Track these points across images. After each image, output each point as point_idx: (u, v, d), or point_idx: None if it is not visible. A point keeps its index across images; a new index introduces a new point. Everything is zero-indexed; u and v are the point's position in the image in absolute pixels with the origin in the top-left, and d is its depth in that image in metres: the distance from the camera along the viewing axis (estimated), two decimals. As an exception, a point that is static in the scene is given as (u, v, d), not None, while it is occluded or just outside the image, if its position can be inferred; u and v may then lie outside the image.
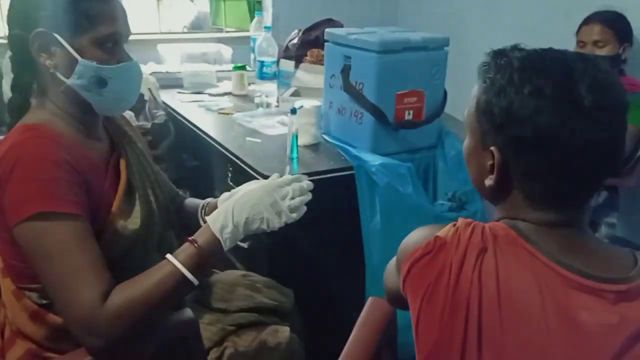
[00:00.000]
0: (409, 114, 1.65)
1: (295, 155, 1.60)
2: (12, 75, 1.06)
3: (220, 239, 0.97)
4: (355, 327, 1.07)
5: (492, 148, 0.75)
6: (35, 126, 0.98)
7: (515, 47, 0.78)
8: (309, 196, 1.05)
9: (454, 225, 0.77)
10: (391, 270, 0.94)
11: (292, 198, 1.02)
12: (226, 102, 2.19)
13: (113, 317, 0.89)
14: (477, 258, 0.72)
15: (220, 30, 3.39)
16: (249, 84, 2.33)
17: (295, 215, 1.02)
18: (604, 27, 1.99)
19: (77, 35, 0.98)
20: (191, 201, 1.32)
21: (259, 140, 1.74)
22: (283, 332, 1.25)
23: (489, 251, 0.73)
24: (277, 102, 2.13)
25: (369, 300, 1.13)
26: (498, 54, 0.78)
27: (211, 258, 0.98)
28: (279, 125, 1.88)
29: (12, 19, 1.02)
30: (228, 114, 2.02)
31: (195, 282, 0.95)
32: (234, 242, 0.99)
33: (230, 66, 2.53)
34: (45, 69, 1.00)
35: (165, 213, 1.18)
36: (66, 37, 0.97)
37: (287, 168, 1.12)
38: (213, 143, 1.76)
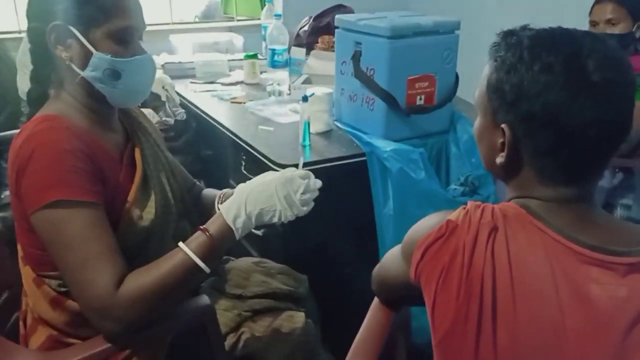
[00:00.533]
0: (420, 99, 1.65)
1: (307, 142, 1.61)
2: (31, 67, 1.08)
3: (233, 228, 0.99)
4: (369, 312, 1.08)
5: (502, 125, 0.76)
6: (51, 117, 1.00)
7: (525, 27, 0.79)
8: (316, 193, 1.06)
9: (464, 208, 0.79)
10: (391, 262, 0.95)
11: (304, 193, 1.02)
12: (238, 91, 2.20)
13: (127, 303, 0.92)
14: (489, 237, 0.74)
15: (232, 19, 3.40)
16: (261, 73, 2.34)
17: (305, 209, 1.03)
18: (616, 5, 1.95)
19: (92, 28, 1.00)
20: (209, 191, 1.33)
21: (271, 129, 1.76)
22: (298, 318, 1.26)
23: (500, 230, 0.74)
24: (289, 90, 2.13)
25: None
26: (508, 34, 0.79)
27: (223, 246, 1.00)
28: (291, 113, 1.88)
29: (31, 12, 1.04)
30: (240, 102, 2.04)
31: (207, 269, 0.97)
32: (245, 231, 1.01)
33: (242, 55, 2.54)
34: (62, 61, 1.02)
35: (180, 202, 1.20)
36: (81, 30, 0.99)
37: (301, 159, 1.12)
38: (226, 132, 1.78)
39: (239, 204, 0.99)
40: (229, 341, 1.22)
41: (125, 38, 1.02)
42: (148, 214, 1.08)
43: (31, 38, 1.05)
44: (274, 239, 1.64)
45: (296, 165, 1.09)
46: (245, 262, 1.40)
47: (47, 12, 1.00)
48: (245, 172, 1.73)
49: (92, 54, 1.00)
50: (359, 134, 1.65)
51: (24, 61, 1.94)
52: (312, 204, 1.05)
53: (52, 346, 1.06)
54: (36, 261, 1.05)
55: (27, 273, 1.08)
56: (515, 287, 0.72)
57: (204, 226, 0.99)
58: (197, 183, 1.38)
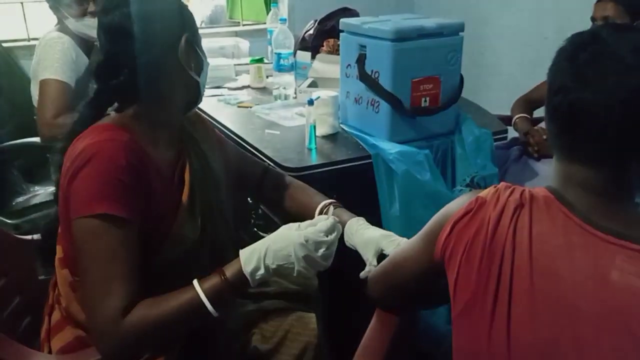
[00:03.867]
0: (425, 100, 1.66)
1: (313, 145, 1.62)
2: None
3: (249, 280, 0.98)
4: (375, 314, 1.09)
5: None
6: (113, 127, 1.03)
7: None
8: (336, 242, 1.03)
9: (495, 187, 0.83)
10: (404, 255, 0.97)
11: (327, 248, 0.99)
12: (245, 96, 2.22)
13: (128, 333, 0.93)
14: (514, 214, 0.78)
15: (237, 24, 3.42)
16: (267, 77, 2.36)
17: (326, 264, 1.01)
18: (615, 4, 1.95)
19: (196, 39, 1.10)
20: (300, 186, 1.36)
21: (277, 132, 1.77)
22: (309, 318, 1.27)
23: (525, 208, 0.78)
24: (295, 93, 2.15)
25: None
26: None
27: (236, 293, 1.01)
28: (297, 117, 1.90)
29: (148, 30, 1.04)
30: (247, 107, 2.05)
31: (215, 313, 0.97)
32: (262, 281, 1.01)
33: (248, 59, 2.56)
34: (180, 71, 1.07)
35: (220, 218, 1.20)
36: (194, 41, 1.09)
37: (331, 209, 1.12)
38: (233, 137, 1.79)
39: (259, 257, 0.98)
40: (239, 341, 1.23)
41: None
42: (192, 234, 1.09)
43: (143, 51, 1.03)
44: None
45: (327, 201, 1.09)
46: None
47: (165, 27, 1.06)
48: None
49: (203, 61, 1.11)
50: (365, 136, 1.67)
51: (37, 71, 1.97)
52: (333, 254, 1.02)
53: (80, 347, 1.09)
54: (74, 266, 1.07)
55: (64, 275, 1.10)
56: (533, 265, 0.75)
57: (223, 268, 0.99)
58: (270, 166, 1.41)
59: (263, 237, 1.81)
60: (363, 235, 1.16)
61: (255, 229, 1.79)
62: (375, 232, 1.16)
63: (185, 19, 1.09)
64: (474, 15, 2.78)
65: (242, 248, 1.02)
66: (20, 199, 2.04)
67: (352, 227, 1.20)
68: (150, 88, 1.07)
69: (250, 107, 2.03)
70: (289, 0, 3.23)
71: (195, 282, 0.98)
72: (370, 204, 1.55)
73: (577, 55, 0.75)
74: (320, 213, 1.25)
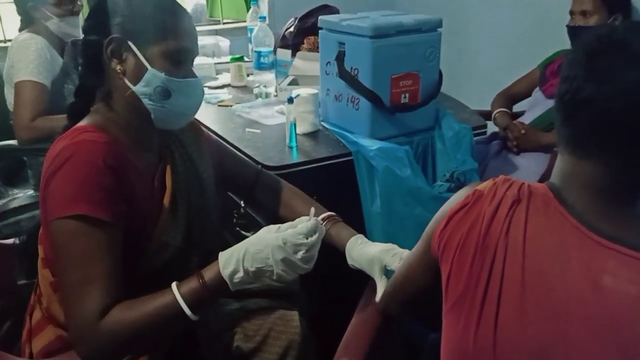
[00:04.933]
0: (405, 97, 1.66)
1: (294, 144, 1.63)
2: (76, 82, 1.09)
3: (229, 283, 0.96)
4: (357, 310, 1.10)
5: None
6: (92, 128, 1.01)
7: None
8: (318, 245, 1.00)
9: (494, 180, 0.82)
10: (408, 261, 0.96)
11: (308, 250, 0.96)
12: (225, 94, 2.21)
13: (104, 335, 0.92)
14: (510, 209, 0.76)
15: (218, 22, 3.40)
16: (248, 75, 2.35)
17: (308, 267, 0.98)
18: None
19: (149, 45, 1.01)
20: (298, 197, 1.33)
21: (258, 131, 1.77)
22: (292, 316, 1.27)
23: (522, 203, 0.76)
24: (276, 91, 2.15)
25: (370, 283, 1.15)
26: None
27: (214, 297, 0.98)
28: (278, 115, 1.90)
29: (89, 26, 1.05)
30: (228, 105, 2.05)
31: (193, 317, 0.95)
32: (243, 285, 0.98)
33: (229, 58, 2.55)
34: (115, 74, 1.02)
35: (208, 222, 1.19)
36: (139, 45, 1.00)
37: (312, 210, 1.04)
38: (214, 136, 1.79)
39: (238, 259, 0.96)
40: (222, 340, 1.23)
41: (179, 59, 1.03)
42: (173, 240, 1.08)
43: (85, 51, 1.06)
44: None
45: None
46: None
47: (107, 25, 1.01)
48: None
49: (146, 69, 1.01)
50: (345, 133, 1.67)
51: (11, 74, 1.94)
52: (315, 257, 0.99)
53: (62, 346, 1.09)
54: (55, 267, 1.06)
55: (45, 275, 1.09)
56: (525, 263, 0.73)
57: (201, 271, 0.97)
58: (262, 170, 1.37)
59: (246, 236, 1.81)
60: (365, 254, 1.14)
61: (238, 229, 1.79)
62: (375, 248, 1.14)
63: (119, 21, 1.01)
64: (453, 11, 2.79)
65: (224, 250, 1.00)
66: (2, 201, 2.02)
67: (351, 247, 1.17)
68: (86, 83, 1.07)
69: (231, 106, 2.02)
70: (269, -2, 3.22)
71: (173, 285, 0.96)
72: (351, 201, 1.56)
73: (589, 48, 0.73)
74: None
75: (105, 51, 1.01)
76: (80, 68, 1.08)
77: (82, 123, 1.04)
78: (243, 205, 1.49)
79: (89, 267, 0.94)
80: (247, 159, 1.44)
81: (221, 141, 1.43)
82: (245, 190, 1.35)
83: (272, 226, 1.00)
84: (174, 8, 1.05)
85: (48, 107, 1.92)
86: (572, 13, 2.04)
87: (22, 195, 2.05)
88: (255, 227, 1.70)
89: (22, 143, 1.90)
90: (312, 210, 1.05)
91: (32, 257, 1.13)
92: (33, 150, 1.96)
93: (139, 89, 1.02)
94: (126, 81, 1.02)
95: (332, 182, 1.54)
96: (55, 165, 0.95)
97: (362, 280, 1.16)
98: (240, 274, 0.96)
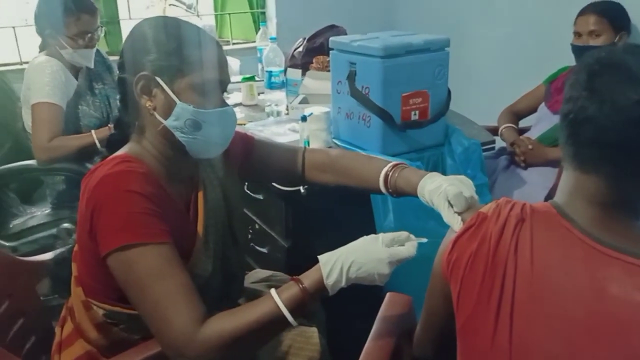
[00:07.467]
0: (415, 114, 1.70)
1: (307, 161, 1.66)
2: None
3: (329, 291, 0.97)
4: (375, 323, 1.10)
5: None
6: (129, 158, 1.03)
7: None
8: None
9: (496, 202, 0.85)
10: (427, 296, 0.97)
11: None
12: (238, 113, 2.24)
13: (205, 346, 0.92)
14: (515, 228, 0.80)
15: (227, 43, 3.46)
16: (259, 94, 2.40)
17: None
18: (598, 17, 2.00)
19: (177, 79, 1.03)
20: (354, 160, 1.30)
21: (272, 149, 1.80)
22: (311, 333, 1.29)
23: (526, 222, 0.80)
24: (287, 110, 2.19)
25: (387, 296, 1.17)
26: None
27: (313, 302, 0.99)
28: (290, 132, 1.93)
29: (121, 64, 1.09)
30: (240, 124, 2.09)
31: (294, 323, 0.95)
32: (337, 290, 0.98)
33: (240, 77, 2.60)
34: (146, 110, 1.05)
35: (237, 249, 1.21)
36: (167, 81, 1.02)
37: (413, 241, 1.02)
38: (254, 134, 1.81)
39: (341, 269, 0.95)
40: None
41: (207, 90, 1.04)
42: (204, 271, 1.10)
43: (120, 88, 1.10)
44: (278, 255, 1.69)
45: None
46: (257, 276, 1.44)
47: (137, 63, 1.03)
48: (248, 191, 1.78)
49: (175, 103, 1.02)
50: (357, 150, 1.71)
51: (28, 96, 1.99)
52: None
53: None
54: (89, 288, 1.09)
55: (77, 293, 1.11)
56: (534, 280, 0.76)
57: (299, 277, 0.97)
58: (307, 148, 1.36)
59: (260, 252, 1.84)
60: (431, 193, 1.09)
61: (252, 244, 1.82)
62: (431, 185, 1.09)
63: (148, 58, 1.03)
64: (455, 29, 2.84)
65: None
66: (17, 221, 2.05)
67: (422, 190, 1.12)
68: (122, 117, 1.12)
69: (244, 124, 2.07)
70: (277, 18, 3.29)
71: (273, 292, 0.96)
72: (365, 216, 1.59)
73: (590, 69, 0.77)
74: (385, 181, 1.19)
75: (135, 88, 1.04)
76: (119, 103, 1.13)
77: (120, 152, 1.06)
78: (303, 190, 1.49)
79: (159, 286, 0.94)
80: (288, 145, 1.42)
81: (261, 137, 1.41)
82: (298, 175, 1.33)
83: (372, 236, 1.00)
84: (200, 40, 1.06)
85: (64, 127, 1.97)
86: (578, 34, 2.07)
87: (39, 214, 2.09)
88: (267, 242, 1.74)
89: (41, 164, 1.94)
90: (396, 174, 1.12)
91: (65, 276, 1.16)
92: (50, 170, 2.00)
93: (170, 123, 1.04)
94: (157, 116, 1.04)
95: (345, 198, 1.57)
96: (97, 200, 0.96)
97: (378, 297, 1.19)
98: (343, 283, 0.96)
